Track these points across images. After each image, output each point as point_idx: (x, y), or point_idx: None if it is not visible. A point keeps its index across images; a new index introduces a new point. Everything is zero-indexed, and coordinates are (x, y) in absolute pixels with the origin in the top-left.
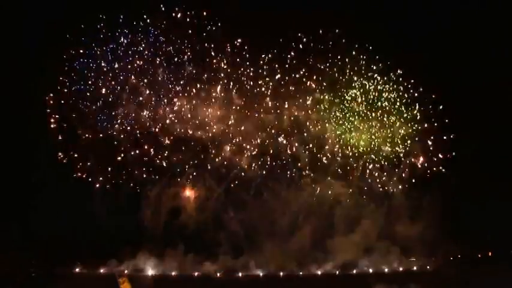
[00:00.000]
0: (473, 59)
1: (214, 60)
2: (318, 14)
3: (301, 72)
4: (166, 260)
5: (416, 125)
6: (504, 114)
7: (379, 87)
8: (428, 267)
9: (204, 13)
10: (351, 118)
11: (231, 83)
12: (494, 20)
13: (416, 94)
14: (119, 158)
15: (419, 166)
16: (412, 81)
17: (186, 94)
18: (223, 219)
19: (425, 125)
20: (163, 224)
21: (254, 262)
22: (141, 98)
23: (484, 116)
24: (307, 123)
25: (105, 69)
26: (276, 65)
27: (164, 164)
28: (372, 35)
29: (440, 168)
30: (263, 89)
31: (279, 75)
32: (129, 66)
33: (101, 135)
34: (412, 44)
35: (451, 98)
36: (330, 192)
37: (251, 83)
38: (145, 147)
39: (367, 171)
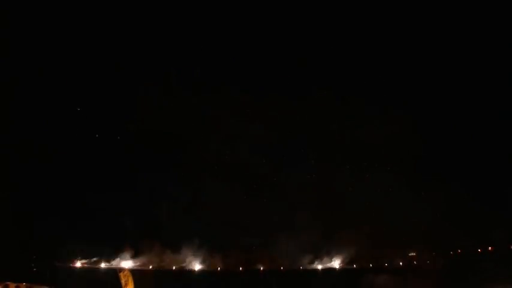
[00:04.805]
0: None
1: None
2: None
3: None
4: (178, 254)
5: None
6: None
7: None
8: (428, 261)
9: None
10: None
11: None
12: None
13: None
14: None
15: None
16: None
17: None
18: (238, 215)
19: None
20: (177, 219)
21: (264, 258)
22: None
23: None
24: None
25: None
26: None
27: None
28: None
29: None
30: None
31: None
32: None
33: None
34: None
35: None
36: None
37: None
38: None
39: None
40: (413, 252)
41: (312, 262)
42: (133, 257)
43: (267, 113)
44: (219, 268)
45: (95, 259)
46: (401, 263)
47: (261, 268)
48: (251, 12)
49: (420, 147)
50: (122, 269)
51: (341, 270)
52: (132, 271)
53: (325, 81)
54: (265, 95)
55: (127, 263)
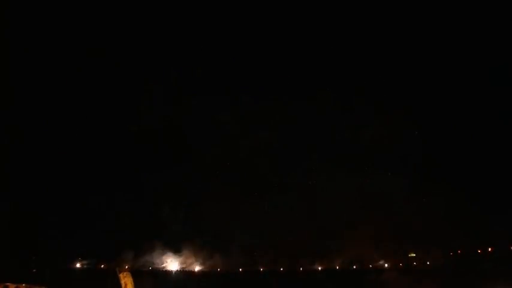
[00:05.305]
0: None
1: None
2: None
3: None
4: (183, 254)
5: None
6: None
7: None
8: (428, 262)
9: None
10: None
11: None
12: None
13: None
14: None
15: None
16: None
17: None
18: (239, 215)
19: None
20: (180, 219)
21: (265, 258)
22: None
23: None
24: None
25: None
26: None
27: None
28: None
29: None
30: None
31: None
32: None
33: None
34: None
35: None
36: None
37: None
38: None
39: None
40: (414, 253)
41: (313, 263)
42: (134, 257)
43: (268, 114)
44: (219, 269)
45: (95, 260)
46: (401, 264)
47: (261, 269)
48: (253, 15)
49: (420, 148)
50: (122, 270)
51: (341, 270)
52: (132, 271)
53: (326, 82)
54: (266, 96)
55: (127, 264)
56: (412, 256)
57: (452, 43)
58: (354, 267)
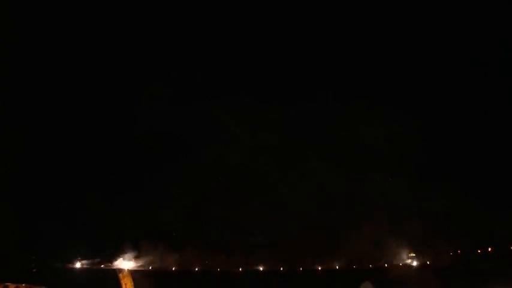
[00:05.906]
0: None
1: None
2: None
3: None
4: (183, 254)
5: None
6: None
7: None
8: (428, 262)
9: None
10: None
11: None
12: None
13: None
14: None
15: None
16: None
17: None
18: (239, 215)
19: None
20: (181, 219)
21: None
22: None
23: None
24: None
25: None
26: None
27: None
28: None
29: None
30: None
31: None
32: None
33: None
34: None
35: None
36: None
37: None
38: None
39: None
40: (413, 253)
41: (313, 263)
42: (134, 257)
43: (269, 115)
44: (219, 269)
45: (95, 260)
46: (401, 264)
47: (261, 269)
48: (252, 16)
49: (421, 148)
50: (121, 270)
51: (341, 270)
52: (132, 272)
53: (326, 83)
54: (266, 96)
55: (127, 264)
56: (412, 256)
57: (452, 43)
58: (354, 267)
